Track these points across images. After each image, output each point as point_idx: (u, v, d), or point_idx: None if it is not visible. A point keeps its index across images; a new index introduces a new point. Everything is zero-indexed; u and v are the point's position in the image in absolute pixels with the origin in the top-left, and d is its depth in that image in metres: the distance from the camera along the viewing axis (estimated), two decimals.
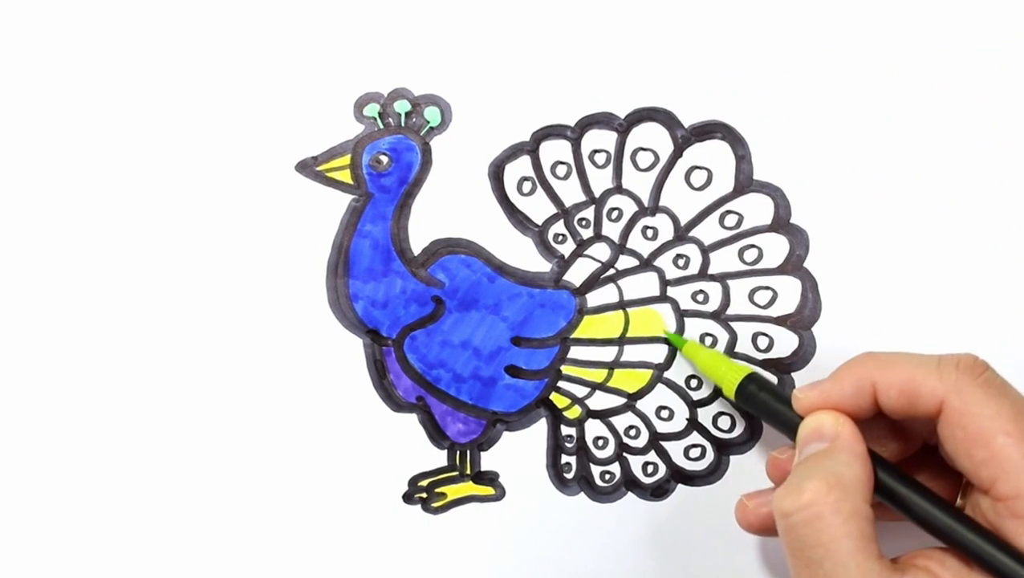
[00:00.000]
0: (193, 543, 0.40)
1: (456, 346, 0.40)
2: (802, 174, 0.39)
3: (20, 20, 0.40)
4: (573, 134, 0.39)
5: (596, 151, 0.40)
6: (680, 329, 0.40)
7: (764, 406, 0.36)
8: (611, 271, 0.40)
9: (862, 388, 0.32)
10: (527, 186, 0.40)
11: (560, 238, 0.40)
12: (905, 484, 0.32)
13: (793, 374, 0.39)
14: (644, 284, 0.40)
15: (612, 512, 0.40)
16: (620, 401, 0.40)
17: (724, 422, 0.40)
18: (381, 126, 0.40)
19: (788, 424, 0.34)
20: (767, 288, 0.39)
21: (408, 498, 0.40)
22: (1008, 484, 0.29)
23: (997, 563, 0.29)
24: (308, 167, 0.39)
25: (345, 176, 0.39)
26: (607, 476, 0.40)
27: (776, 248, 0.39)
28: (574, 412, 0.40)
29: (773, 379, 0.38)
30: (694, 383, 0.40)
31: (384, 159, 0.39)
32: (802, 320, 0.39)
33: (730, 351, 0.39)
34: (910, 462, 0.35)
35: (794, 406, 0.34)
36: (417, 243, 0.40)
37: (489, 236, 0.40)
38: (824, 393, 0.33)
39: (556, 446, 0.40)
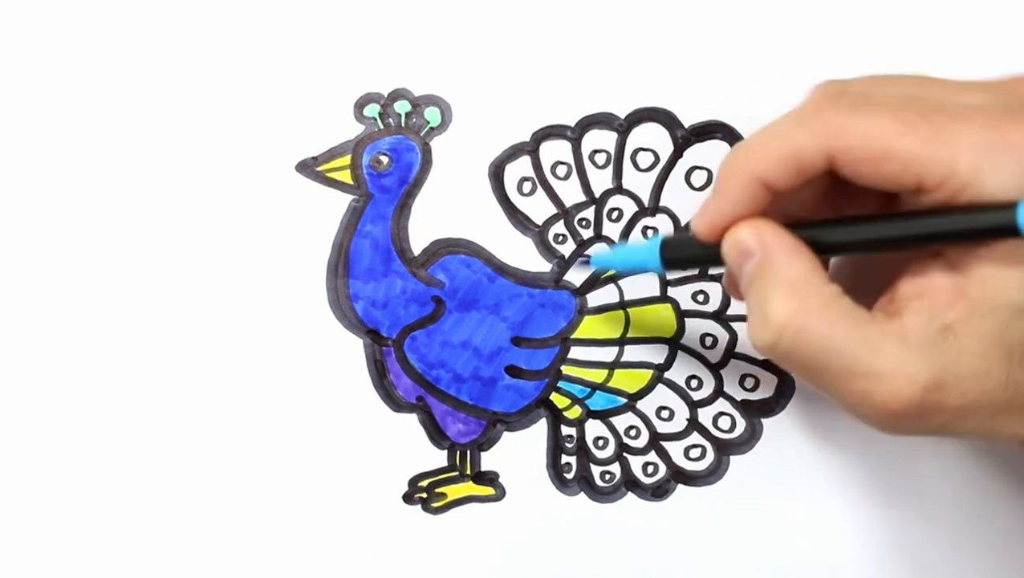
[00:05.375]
0: (193, 543, 0.40)
1: (456, 346, 0.39)
2: None
3: (19, 20, 0.40)
4: (573, 134, 0.39)
5: (596, 151, 0.40)
6: (681, 330, 0.39)
7: (689, 260, 0.33)
8: (611, 271, 0.40)
9: (749, 187, 0.29)
10: (527, 186, 0.40)
11: (560, 238, 0.40)
12: (843, 224, 0.29)
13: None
14: (644, 284, 0.40)
15: (612, 512, 0.40)
16: (620, 401, 0.40)
17: (724, 422, 0.40)
18: (381, 126, 0.40)
19: (715, 260, 0.30)
20: None
21: (408, 498, 0.40)
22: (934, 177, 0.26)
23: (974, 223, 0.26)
24: (308, 167, 0.39)
25: (345, 176, 0.39)
26: (607, 476, 0.40)
27: None
28: (574, 412, 0.40)
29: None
30: (694, 383, 0.40)
31: (384, 159, 0.39)
32: None
33: (730, 351, 0.39)
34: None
35: (700, 238, 0.30)
36: (417, 243, 0.40)
37: (489, 236, 0.40)
38: (720, 210, 0.30)
39: (556, 446, 0.40)
